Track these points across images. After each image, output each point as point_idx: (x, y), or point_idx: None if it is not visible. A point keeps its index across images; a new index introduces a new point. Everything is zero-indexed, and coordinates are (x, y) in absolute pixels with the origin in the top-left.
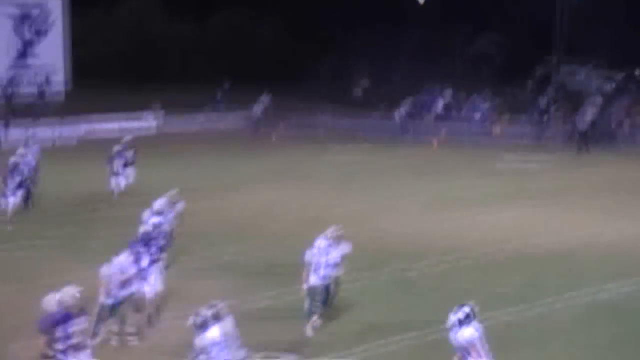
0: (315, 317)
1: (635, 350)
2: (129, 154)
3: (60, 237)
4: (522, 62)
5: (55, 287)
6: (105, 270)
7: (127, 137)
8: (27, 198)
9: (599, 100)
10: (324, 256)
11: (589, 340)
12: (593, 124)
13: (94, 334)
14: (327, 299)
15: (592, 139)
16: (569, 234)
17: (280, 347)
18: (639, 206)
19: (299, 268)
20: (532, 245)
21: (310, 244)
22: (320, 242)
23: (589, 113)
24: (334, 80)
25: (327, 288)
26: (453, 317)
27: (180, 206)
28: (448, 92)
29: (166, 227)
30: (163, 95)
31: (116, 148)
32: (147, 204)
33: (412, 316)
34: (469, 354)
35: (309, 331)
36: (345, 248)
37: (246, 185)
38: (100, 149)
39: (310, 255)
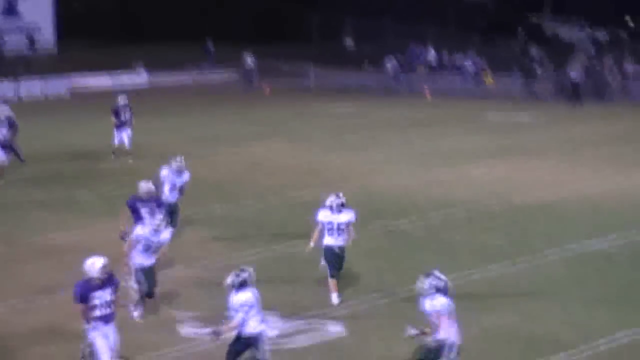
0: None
1: (626, 300)
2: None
3: (54, 193)
4: (513, 15)
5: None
6: (139, 231)
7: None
8: (13, 153)
9: (590, 51)
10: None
11: (581, 291)
12: (585, 76)
13: (136, 300)
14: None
15: (584, 91)
16: (561, 187)
17: (265, 305)
18: (631, 159)
19: (286, 224)
20: (524, 198)
21: (300, 199)
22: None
23: (580, 65)
24: (321, 40)
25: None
26: (428, 283)
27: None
28: (432, 52)
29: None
30: (148, 53)
31: (121, 99)
32: (142, 157)
33: (400, 271)
34: (437, 323)
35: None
36: (350, 215)
37: (239, 140)
38: (92, 102)
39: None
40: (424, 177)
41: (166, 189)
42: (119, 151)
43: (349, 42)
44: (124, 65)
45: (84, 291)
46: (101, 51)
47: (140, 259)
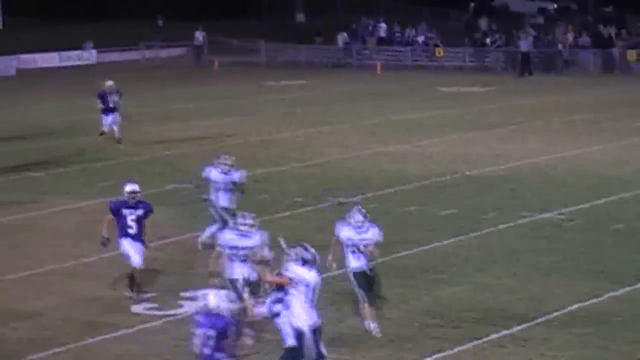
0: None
1: (578, 270)
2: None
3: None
4: None
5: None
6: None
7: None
8: None
9: (540, 21)
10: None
11: (533, 262)
12: (534, 46)
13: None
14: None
15: (533, 62)
16: (511, 158)
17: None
18: (581, 129)
19: (239, 202)
20: (476, 170)
21: (252, 176)
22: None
23: (530, 36)
24: (272, 15)
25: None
26: (294, 253)
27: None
28: (383, 26)
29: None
30: (98, 31)
31: (108, 83)
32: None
33: None
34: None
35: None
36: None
37: (189, 116)
38: (40, 81)
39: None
40: (376, 151)
41: (215, 192)
42: (109, 137)
43: (299, 16)
44: (72, 43)
45: None
46: (49, 29)
47: (234, 270)
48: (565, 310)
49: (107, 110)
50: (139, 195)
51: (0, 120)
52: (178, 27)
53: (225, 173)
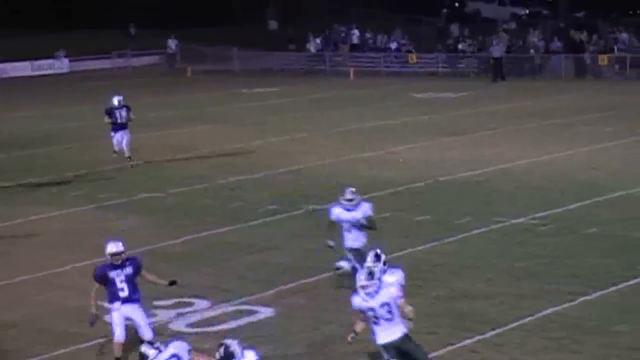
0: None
1: (551, 274)
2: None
3: None
4: None
5: None
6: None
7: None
8: None
9: (512, 27)
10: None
11: (507, 266)
12: (507, 52)
13: None
14: None
15: (506, 67)
16: (485, 163)
17: (193, 292)
18: (554, 134)
19: (213, 209)
20: (449, 176)
21: (226, 184)
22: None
23: (502, 42)
24: (244, 22)
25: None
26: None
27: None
28: (356, 32)
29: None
30: (70, 40)
31: (116, 99)
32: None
33: (326, 253)
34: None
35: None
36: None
37: (163, 124)
38: (12, 90)
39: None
40: (349, 157)
41: (343, 233)
42: (120, 155)
43: (272, 24)
44: (44, 52)
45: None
46: (21, 39)
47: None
48: (539, 315)
49: (117, 127)
50: (124, 255)
51: None
52: (151, 35)
53: (349, 209)
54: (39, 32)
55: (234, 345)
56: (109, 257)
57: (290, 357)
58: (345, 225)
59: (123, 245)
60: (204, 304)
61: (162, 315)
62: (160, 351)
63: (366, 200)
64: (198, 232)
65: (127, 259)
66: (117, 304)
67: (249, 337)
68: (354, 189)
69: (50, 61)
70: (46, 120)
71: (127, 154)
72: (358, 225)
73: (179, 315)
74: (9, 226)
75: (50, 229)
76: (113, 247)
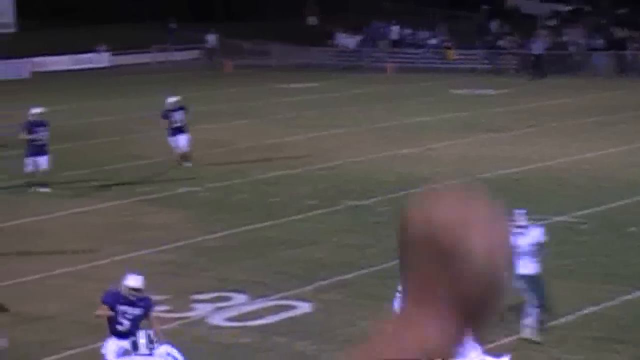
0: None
1: (590, 273)
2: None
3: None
4: None
5: None
6: None
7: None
8: None
9: (553, 23)
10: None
11: (546, 264)
12: (548, 49)
13: None
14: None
15: (547, 64)
16: (524, 160)
17: (232, 286)
18: (595, 132)
19: (252, 204)
20: (488, 173)
21: (263, 179)
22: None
23: (543, 38)
24: (283, 17)
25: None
26: None
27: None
28: (395, 28)
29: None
30: (111, 34)
31: (171, 101)
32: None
33: (365, 249)
34: None
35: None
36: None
37: (201, 119)
38: (54, 84)
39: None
40: (388, 154)
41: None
42: (183, 156)
43: (311, 19)
44: (85, 46)
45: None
46: (63, 33)
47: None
48: (579, 314)
49: (175, 131)
50: (140, 293)
51: (16, 123)
52: (190, 30)
53: (519, 235)
54: (79, 25)
55: None
56: (125, 288)
57: (328, 353)
58: (522, 254)
59: (143, 282)
60: (242, 298)
61: (201, 309)
62: None
63: (536, 224)
64: (236, 226)
65: (142, 299)
66: (113, 338)
67: (287, 332)
68: (524, 212)
69: (90, 55)
70: (86, 114)
71: (185, 151)
72: (529, 252)
73: (218, 309)
74: (49, 219)
75: (90, 223)
76: (133, 282)
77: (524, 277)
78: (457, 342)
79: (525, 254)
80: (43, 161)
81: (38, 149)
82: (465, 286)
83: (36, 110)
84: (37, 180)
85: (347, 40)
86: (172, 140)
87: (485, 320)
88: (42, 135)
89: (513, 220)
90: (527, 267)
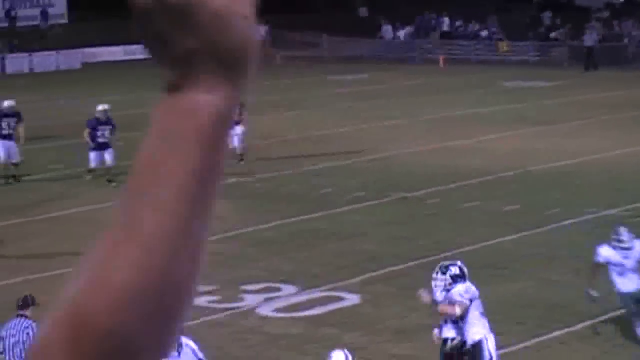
0: None
1: None
2: None
3: (71, 166)
4: None
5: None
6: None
7: None
8: None
9: (606, 15)
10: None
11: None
12: (600, 41)
13: None
14: None
15: (599, 56)
16: (577, 153)
17: (281, 277)
18: None
19: (302, 196)
20: (540, 166)
21: (315, 170)
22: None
23: (595, 30)
24: (333, 9)
25: None
26: (442, 276)
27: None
28: (446, 20)
29: None
30: None
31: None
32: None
33: (415, 241)
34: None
35: None
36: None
37: (251, 110)
38: (105, 75)
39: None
40: (438, 146)
41: (613, 276)
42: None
43: (362, 11)
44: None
45: None
46: (114, 24)
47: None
48: None
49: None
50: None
51: (68, 113)
52: None
53: (623, 250)
54: (131, 16)
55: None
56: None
57: (378, 345)
58: (617, 269)
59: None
60: (291, 289)
61: (250, 300)
62: None
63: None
64: (286, 218)
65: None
66: None
67: (336, 323)
68: (627, 229)
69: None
70: (133, 105)
71: (238, 152)
72: (634, 269)
73: (267, 300)
74: (93, 210)
75: None
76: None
77: (628, 295)
78: (233, 103)
79: (631, 270)
80: (108, 157)
81: (102, 146)
82: (210, 37)
83: (101, 108)
84: (109, 177)
85: (398, 33)
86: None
87: (244, 69)
88: (106, 133)
89: (617, 239)
90: (631, 284)
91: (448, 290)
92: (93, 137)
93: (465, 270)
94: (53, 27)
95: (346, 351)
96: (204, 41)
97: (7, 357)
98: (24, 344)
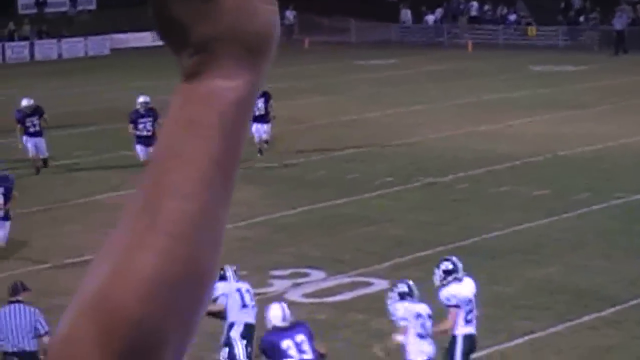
0: None
1: None
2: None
3: (99, 152)
4: None
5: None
6: None
7: None
8: None
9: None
10: None
11: (626, 243)
12: (630, 24)
13: None
14: None
15: (629, 40)
16: (605, 138)
17: (309, 263)
18: None
19: (329, 181)
20: (568, 150)
21: (341, 155)
22: None
23: (625, 14)
24: None
25: None
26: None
27: None
28: (474, 4)
29: None
30: None
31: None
32: None
33: (443, 226)
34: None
35: None
36: None
37: (278, 95)
38: (133, 60)
39: None
40: (466, 131)
41: None
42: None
43: None
44: None
45: None
46: (142, 9)
47: None
48: None
49: (256, 119)
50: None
51: (96, 100)
52: None
53: None
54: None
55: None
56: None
57: None
58: None
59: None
60: (319, 274)
61: (278, 285)
62: None
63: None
64: (314, 203)
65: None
66: None
67: (364, 308)
68: None
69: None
70: (162, 91)
71: (260, 143)
72: None
73: (295, 285)
74: (118, 196)
75: None
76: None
77: None
78: (255, 86)
79: None
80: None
81: (146, 140)
82: (234, 23)
83: (142, 99)
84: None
85: (426, 17)
86: (254, 125)
87: (265, 55)
88: (147, 125)
89: None
90: None
91: (444, 285)
92: (137, 130)
93: (460, 265)
94: (81, 13)
95: (283, 304)
96: (227, 26)
97: (9, 345)
98: (23, 328)
